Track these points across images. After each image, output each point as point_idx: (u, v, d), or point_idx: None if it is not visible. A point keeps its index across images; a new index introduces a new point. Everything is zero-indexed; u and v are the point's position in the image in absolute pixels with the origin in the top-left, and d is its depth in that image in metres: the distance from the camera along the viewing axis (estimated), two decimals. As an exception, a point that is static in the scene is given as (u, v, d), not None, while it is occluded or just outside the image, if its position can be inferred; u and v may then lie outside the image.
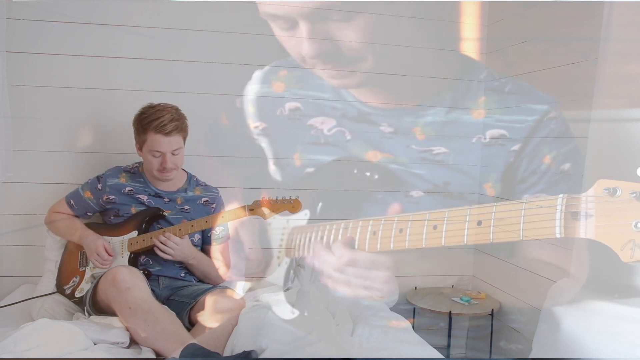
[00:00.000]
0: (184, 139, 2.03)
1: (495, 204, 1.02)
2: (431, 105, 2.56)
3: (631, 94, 1.73)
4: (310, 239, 1.43)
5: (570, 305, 1.79)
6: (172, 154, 1.97)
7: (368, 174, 2.49)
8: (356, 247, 1.22)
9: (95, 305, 1.86)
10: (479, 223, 1.03)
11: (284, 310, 1.74)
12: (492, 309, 2.38)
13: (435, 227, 1.10)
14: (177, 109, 2.00)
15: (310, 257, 1.29)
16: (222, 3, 2.36)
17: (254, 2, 2.36)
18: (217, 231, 2.12)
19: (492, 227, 1.01)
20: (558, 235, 0.94)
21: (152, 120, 1.93)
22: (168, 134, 1.93)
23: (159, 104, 2.00)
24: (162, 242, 1.93)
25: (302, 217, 1.85)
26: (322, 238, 1.34)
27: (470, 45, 2.63)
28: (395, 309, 2.13)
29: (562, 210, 0.92)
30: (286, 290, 2.16)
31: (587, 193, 0.90)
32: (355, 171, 2.50)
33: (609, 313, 1.68)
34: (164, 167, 1.98)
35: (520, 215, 0.98)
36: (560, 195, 0.94)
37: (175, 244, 1.94)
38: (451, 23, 2.61)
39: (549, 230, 0.94)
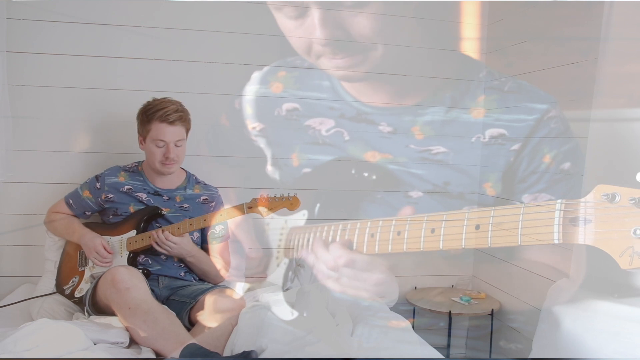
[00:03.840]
0: (187, 132, 2.05)
1: (493, 208, 1.02)
2: (430, 105, 2.56)
3: (631, 93, 1.73)
4: (308, 240, 1.43)
5: (570, 304, 1.78)
6: (175, 145, 1.99)
7: (366, 174, 2.49)
8: (354, 248, 1.22)
9: (94, 306, 1.86)
10: (477, 227, 1.03)
11: (283, 310, 1.74)
12: (492, 309, 2.38)
13: (433, 231, 1.10)
14: (180, 103, 2.05)
15: (309, 253, 1.29)
16: (222, 3, 2.36)
17: (254, 2, 2.36)
18: (217, 230, 2.12)
19: (490, 232, 1.01)
20: (556, 241, 0.93)
21: (157, 110, 1.97)
22: (172, 123, 1.97)
23: (164, 97, 2.04)
24: (159, 243, 1.93)
25: (300, 217, 1.85)
26: (320, 237, 1.34)
27: (470, 44, 2.63)
28: (395, 309, 2.13)
29: (560, 216, 0.92)
30: (286, 290, 2.16)
31: (586, 199, 0.90)
32: (353, 172, 2.50)
33: (609, 313, 1.68)
34: (166, 156, 1.99)
35: (519, 220, 0.97)
36: (559, 201, 0.93)
37: (173, 244, 1.94)
38: (451, 23, 2.61)
39: (547, 236, 0.94)
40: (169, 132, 1.97)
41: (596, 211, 0.88)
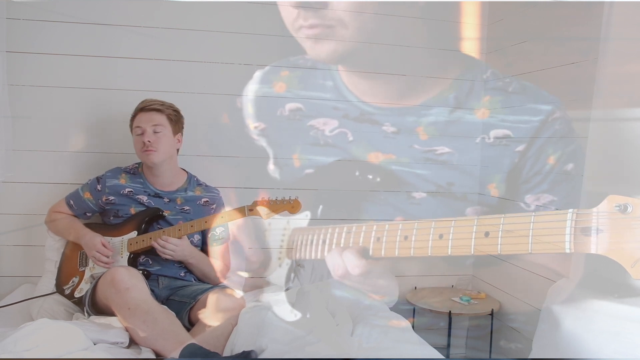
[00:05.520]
0: (171, 123, 2.06)
1: (504, 215, 1.01)
2: (434, 105, 2.55)
3: (631, 93, 1.73)
4: (311, 241, 1.42)
5: (570, 304, 1.78)
6: (154, 131, 2.01)
7: (370, 176, 2.48)
8: (370, 254, 1.20)
9: (94, 306, 1.86)
10: (487, 234, 1.02)
11: (284, 310, 1.74)
12: (492, 309, 2.38)
13: (441, 237, 1.09)
14: (171, 104, 2.10)
15: (327, 261, 1.27)
16: (222, 3, 2.36)
17: (253, 2, 2.36)
18: (217, 232, 2.12)
19: (500, 239, 1.00)
20: (567, 251, 0.93)
21: (140, 103, 2.06)
22: (149, 109, 2.03)
23: None
24: (160, 245, 1.94)
25: (303, 218, 1.84)
26: (324, 241, 1.33)
27: (470, 44, 2.63)
28: (395, 309, 2.13)
29: (572, 226, 0.92)
30: (286, 290, 2.16)
31: (598, 208, 0.89)
32: (357, 173, 2.49)
33: (609, 313, 1.68)
34: (143, 142, 2.00)
35: (529, 228, 0.96)
36: (570, 210, 0.93)
37: (174, 246, 1.94)
38: (451, 23, 2.61)
39: (558, 245, 0.93)
40: (144, 118, 2.03)
41: (608, 221, 0.88)
